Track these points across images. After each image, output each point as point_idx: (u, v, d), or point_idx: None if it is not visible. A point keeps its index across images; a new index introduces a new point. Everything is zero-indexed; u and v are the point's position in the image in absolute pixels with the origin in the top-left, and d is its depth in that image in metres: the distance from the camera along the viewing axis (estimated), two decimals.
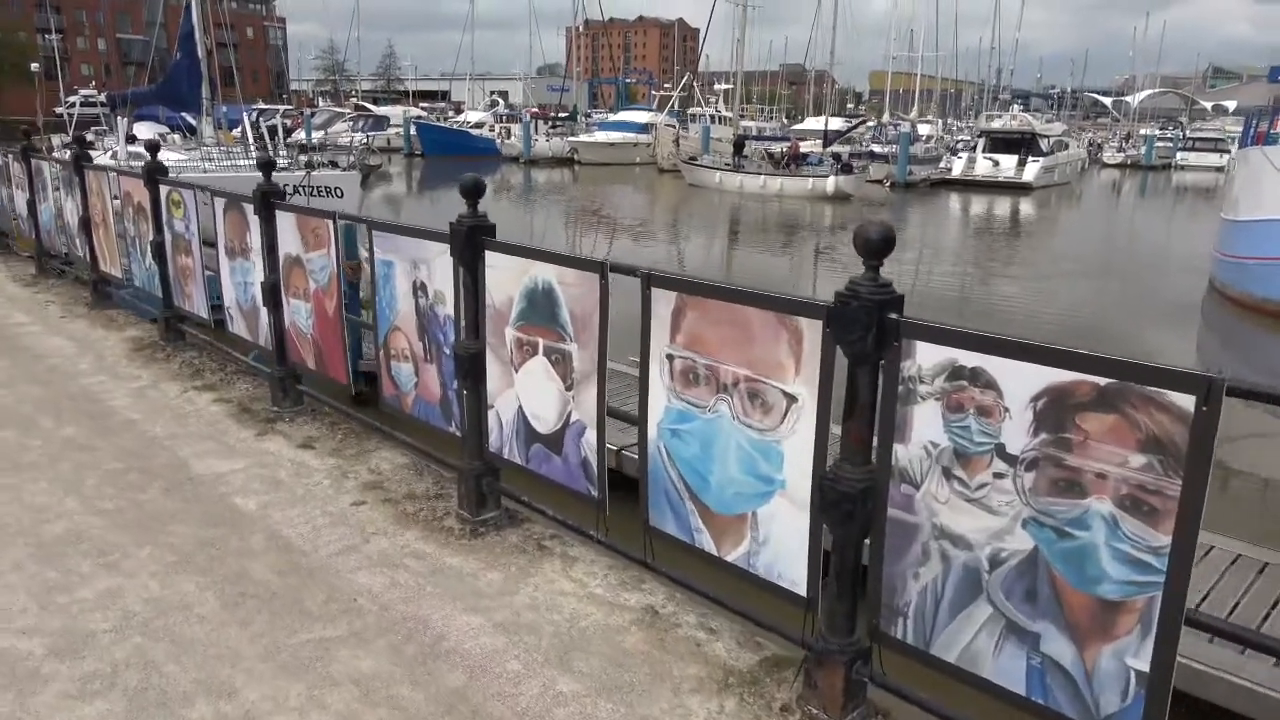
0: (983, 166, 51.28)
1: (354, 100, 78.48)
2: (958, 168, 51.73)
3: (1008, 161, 50.82)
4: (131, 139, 26.28)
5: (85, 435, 4.87)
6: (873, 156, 46.52)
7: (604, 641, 3.04)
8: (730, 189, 43.53)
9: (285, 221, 4.82)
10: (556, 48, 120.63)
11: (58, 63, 59.30)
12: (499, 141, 64.86)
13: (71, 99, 50.71)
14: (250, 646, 2.97)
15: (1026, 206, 45.22)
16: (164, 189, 6.16)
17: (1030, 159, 50.82)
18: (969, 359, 2.19)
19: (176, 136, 28.28)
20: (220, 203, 5.42)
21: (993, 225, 38.96)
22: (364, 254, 5.11)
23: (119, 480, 4.30)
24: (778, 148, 46.12)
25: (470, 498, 3.82)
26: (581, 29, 75.54)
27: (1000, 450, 2.16)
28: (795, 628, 2.74)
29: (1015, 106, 61.27)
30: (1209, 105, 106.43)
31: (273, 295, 5.02)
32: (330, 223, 4.45)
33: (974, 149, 54.04)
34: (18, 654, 2.91)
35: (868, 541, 2.48)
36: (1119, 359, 1.98)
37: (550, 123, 69.53)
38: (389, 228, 4.04)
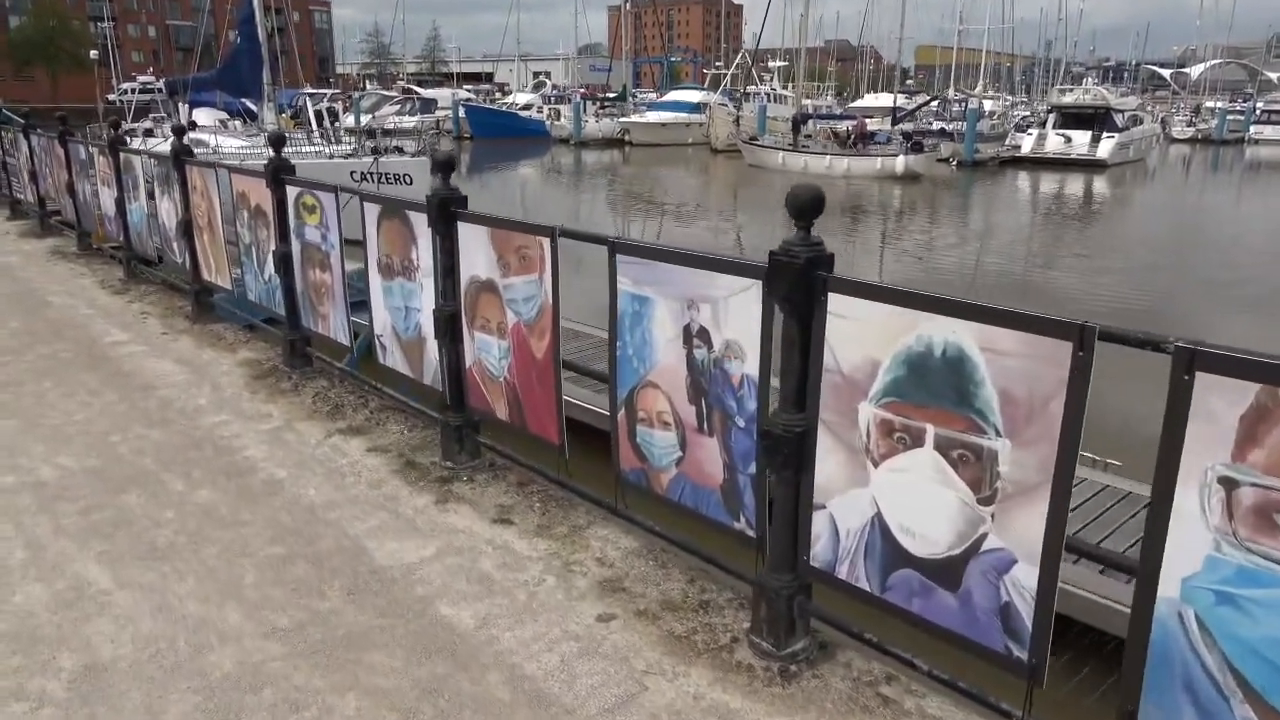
0: (1054, 143, 49.18)
1: (401, 83, 77.84)
2: (1027, 145, 49.67)
3: (1080, 138, 48.66)
4: (191, 125, 25.69)
5: (226, 502, 3.94)
6: (942, 134, 44.61)
7: None
8: (793, 170, 42.05)
9: (472, 236, 3.82)
10: (597, 27, 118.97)
11: (110, 50, 59.43)
12: (548, 123, 63.83)
13: (126, 85, 50.72)
14: None
15: (1103, 185, 43.18)
16: (292, 190, 5.21)
17: (1105, 135, 48.58)
18: None
19: (237, 123, 27.63)
20: (373, 209, 4.44)
21: (1077, 206, 37.08)
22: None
23: (284, 575, 3.35)
24: (843, 126, 44.44)
25: (775, 623, 2.79)
26: (630, 6, 73.89)
27: None
28: None
29: (1089, 79, 58.61)
30: (1275, 76, 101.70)
31: (450, 327, 4.03)
32: (546, 241, 3.43)
33: (1044, 125, 51.87)
34: None
35: None
36: (1006, 309, 2.14)
37: (599, 103, 68.32)
38: (651, 252, 3.01)
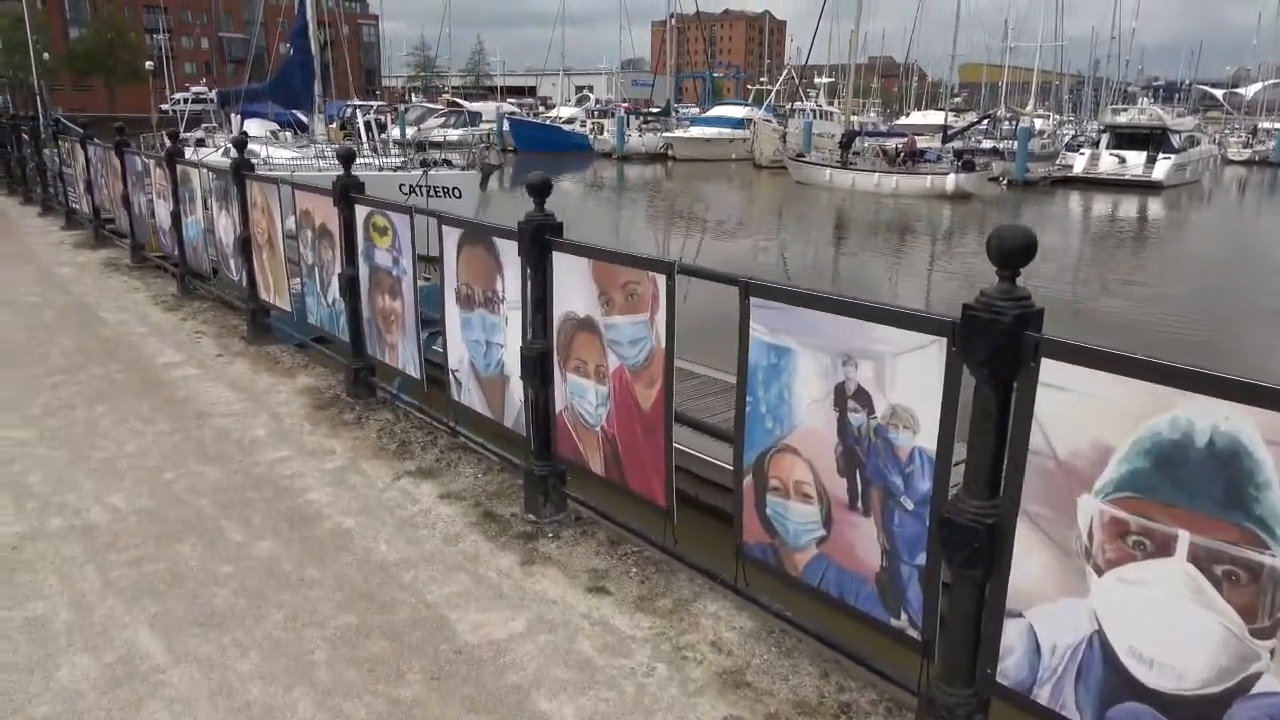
0: (1107, 164, 48.09)
1: (446, 96, 78.47)
2: (1079, 164, 48.61)
3: (1135, 158, 47.55)
4: (244, 136, 25.78)
5: (290, 556, 3.56)
6: (994, 153, 43.77)
7: None
8: (841, 187, 41.50)
9: (570, 268, 3.41)
10: (639, 42, 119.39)
11: (165, 61, 60.62)
12: (592, 137, 63.84)
13: (178, 96, 51.58)
14: None
15: (1163, 207, 42.05)
16: (362, 210, 4.86)
17: (1161, 156, 47.39)
18: None
19: (288, 134, 27.74)
20: (453, 234, 4.07)
21: (1154, 229, 36.06)
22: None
23: (359, 651, 2.95)
24: (892, 143, 43.75)
25: None
26: (674, 22, 73.81)
27: None
28: None
29: (1144, 99, 57.30)
30: None
31: (539, 367, 3.63)
32: (661, 278, 3.01)
33: (1097, 144, 50.76)
34: None
35: None
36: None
37: (642, 118, 68.24)
38: (796, 296, 2.58)
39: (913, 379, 2.30)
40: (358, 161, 20.18)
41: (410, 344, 4.67)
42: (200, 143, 27.22)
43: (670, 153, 59.54)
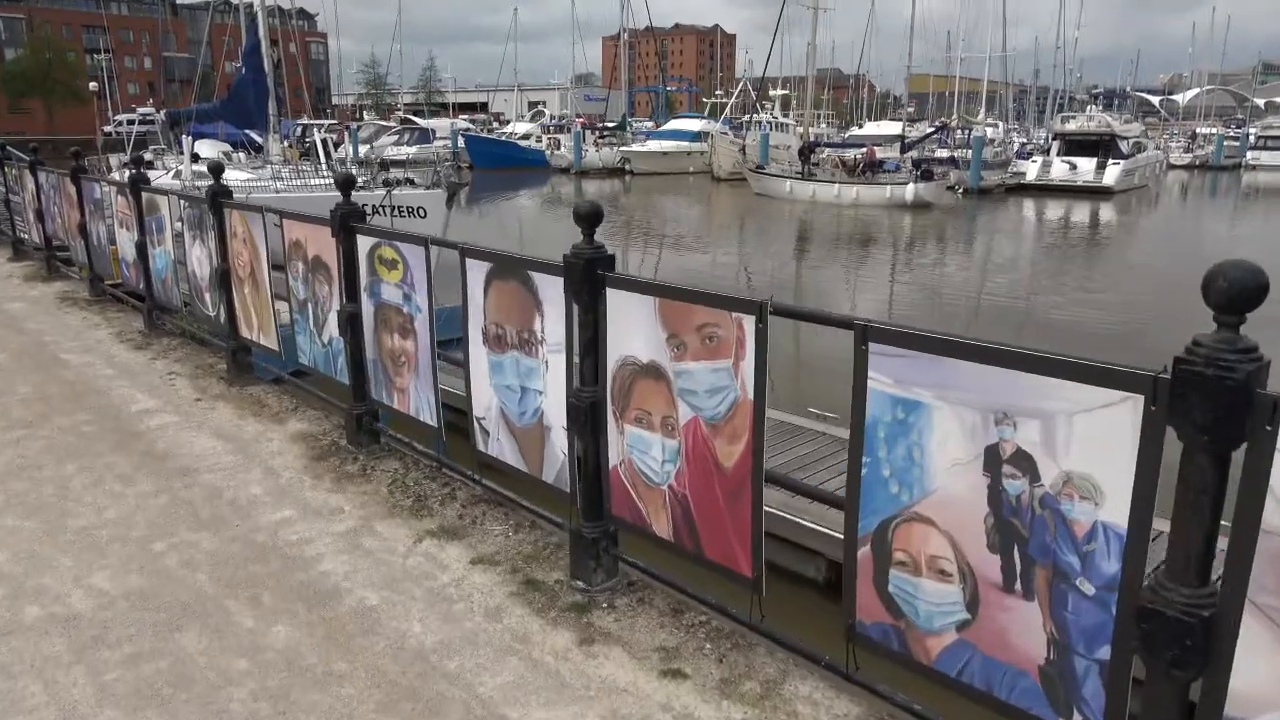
0: (1059, 170, 49.10)
1: (399, 113, 77.52)
2: (1032, 172, 49.55)
3: (1085, 164, 48.59)
4: (195, 158, 25.00)
5: (312, 645, 3.10)
6: (952, 162, 44.31)
7: None
8: (802, 198, 41.66)
9: (629, 307, 3.02)
10: (590, 57, 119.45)
11: (106, 82, 58.90)
12: (549, 153, 63.47)
13: (121, 117, 50.09)
14: None
15: (1111, 212, 42.91)
16: (365, 240, 4.41)
17: (1110, 161, 48.46)
18: None
19: (241, 155, 26.91)
20: (480, 267, 3.65)
21: (1088, 233, 36.64)
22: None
23: None
24: (850, 154, 44.07)
25: None
26: (627, 36, 73.86)
27: None
28: None
29: (1092, 107, 58.57)
30: (1262, 103, 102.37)
31: (590, 418, 3.23)
32: (749, 319, 2.63)
33: (1047, 152, 51.76)
34: None
35: None
36: None
37: (598, 133, 68.06)
38: (932, 343, 2.22)
39: (1095, 442, 1.95)
40: (316, 182, 19.43)
41: (425, 388, 4.23)
42: (148, 165, 26.29)
43: (628, 167, 59.46)
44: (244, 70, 25.76)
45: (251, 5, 27.88)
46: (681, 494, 3.01)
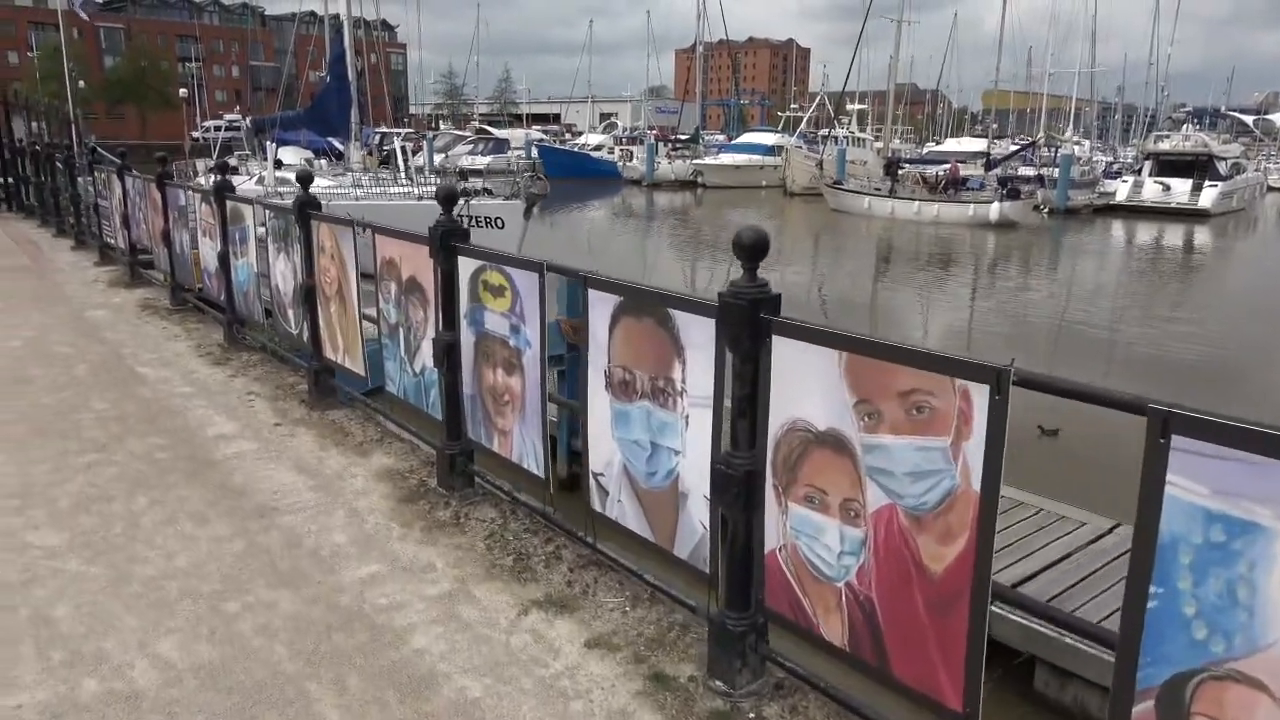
0: (1151, 191, 47.05)
1: (475, 123, 78.50)
2: (1122, 192, 47.60)
3: (1180, 186, 46.48)
4: (278, 164, 25.32)
5: None
6: (1039, 181, 42.75)
7: None
8: (880, 215, 40.61)
9: (802, 360, 2.46)
10: (663, 70, 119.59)
11: (195, 90, 60.82)
12: (621, 164, 63.38)
13: (208, 124, 51.60)
14: None
15: (1208, 236, 40.84)
16: (468, 262, 3.94)
17: (1207, 183, 46.25)
18: None
19: (323, 162, 27.18)
20: (606, 300, 3.13)
21: (1208, 257, 34.85)
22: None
23: None
24: (932, 170, 42.83)
25: None
26: (702, 49, 73.47)
27: None
28: None
29: (1188, 126, 56.05)
30: None
31: (745, 489, 2.66)
32: (980, 389, 2.04)
33: (1139, 171, 49.66)
34: None
35: None
36: None
37: (670, 145, 67.77)
38: (1273, 442, 1.60)
39: None
40: (395, 190, 19.36)
41: (532, 432, 3.72)
42: (233, 170, 26.72)
43: (700, 180, 58.99)
44: (328, 79, 26.03)
45: (337, 16, 28.27)
46: (864, 595, 2.42)
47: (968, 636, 2.19)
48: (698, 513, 2.92)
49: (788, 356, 2.51)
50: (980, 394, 2.06)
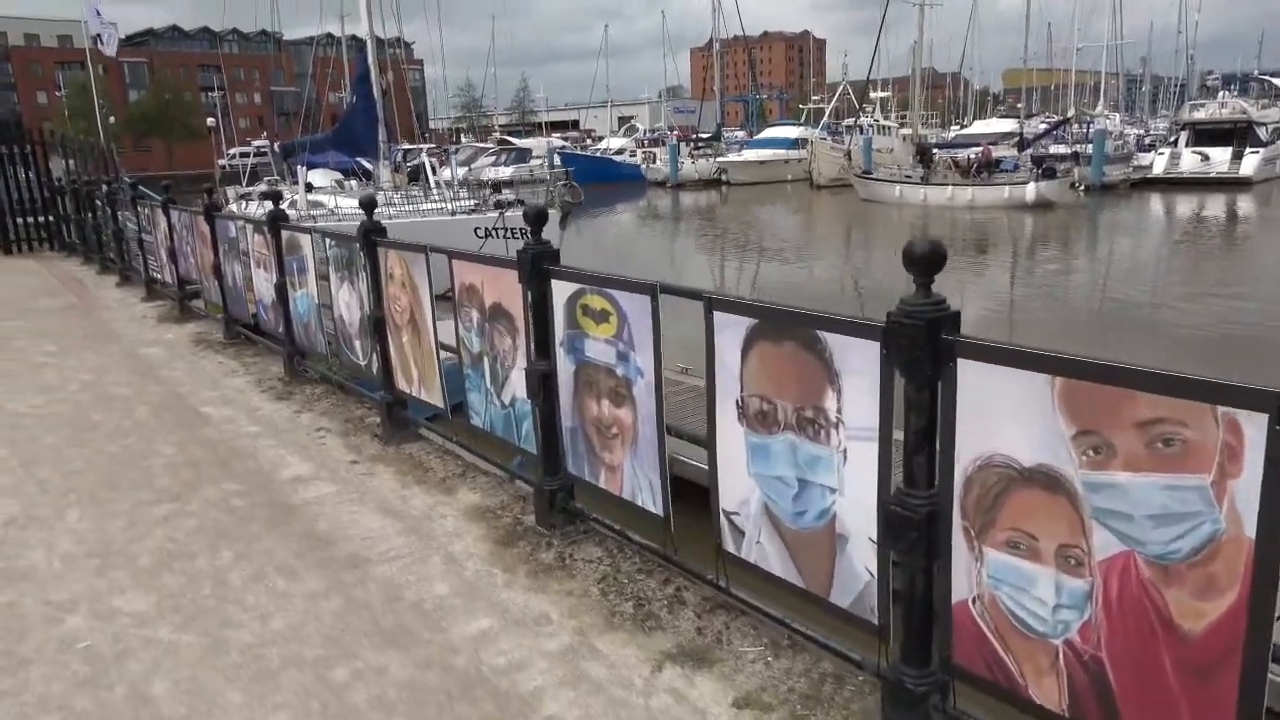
0: (1189, 162, 45.94)
1: (496, 135, 78.66)
2: (1159, 165, 46.53)
3: (1219, 155, 45.37)
4: (309, 187, 25.35)
5: None
6: (1075, 158, 41.89)
7: None
8: (912, 202, 40.03)
9: (1001, 387, 2.14)
10: (678, 70, 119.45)
11: (220, 118, 61.52)
12: (644, 166, 63.14)
13: (234, 151, 52.02)
14: None
15: (1253, 205, 39.74)
16: (563, 286, 3.65)
17: (1248, 150, 45.06)
18: None
19: (353, 183, 27.21)
20: (737, 323, 2.83)
21: (1234, 229, 33.90)
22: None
23: None
24: (964, 154, 42.11)
25: None
26: (719, 46, 73.00)
27: None
28: None
29: (1224, 93, 54.70)
30: None
31: (926, 533, 2.35)
32: (1258, 423, 1.71)
33: (1174, 143, 48.51)
34: None
35: None
36: None
37: (692, 144, 67.39)
38: None
39: None
40: (427, 206, 19.22)
41: (647, 468, 3.42)
42: (265, 196, 26.81)
43: (724, 177, 58.60)
44: (354, 99, 26.04)
45: (353, 37, 28.26)
46: (1090, 654, 2.10)
47: (1237, 706, 1.85)
48: (861, 557, 2.61)
49: (978, 382, 2.20)
50: (1253, 425, 1.73)
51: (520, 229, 20.18)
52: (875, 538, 2.53)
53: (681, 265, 28.62)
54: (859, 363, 2.46)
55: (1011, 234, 33.14)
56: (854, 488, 2.58)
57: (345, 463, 5.19)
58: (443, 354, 4.82)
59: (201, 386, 7.04)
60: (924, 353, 2.27)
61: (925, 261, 2.28)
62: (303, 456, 5.33)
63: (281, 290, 6.69)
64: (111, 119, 49.51)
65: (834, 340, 2.53)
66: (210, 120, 51.28)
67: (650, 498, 3.45)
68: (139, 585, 3.81)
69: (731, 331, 2.86)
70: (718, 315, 2.91)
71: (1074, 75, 58.56)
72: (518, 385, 4.07)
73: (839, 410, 2.57)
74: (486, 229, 19.67)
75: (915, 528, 2.37)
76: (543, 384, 3.84)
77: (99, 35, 25.08)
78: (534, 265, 3.73)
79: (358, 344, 5.79)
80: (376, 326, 5.26)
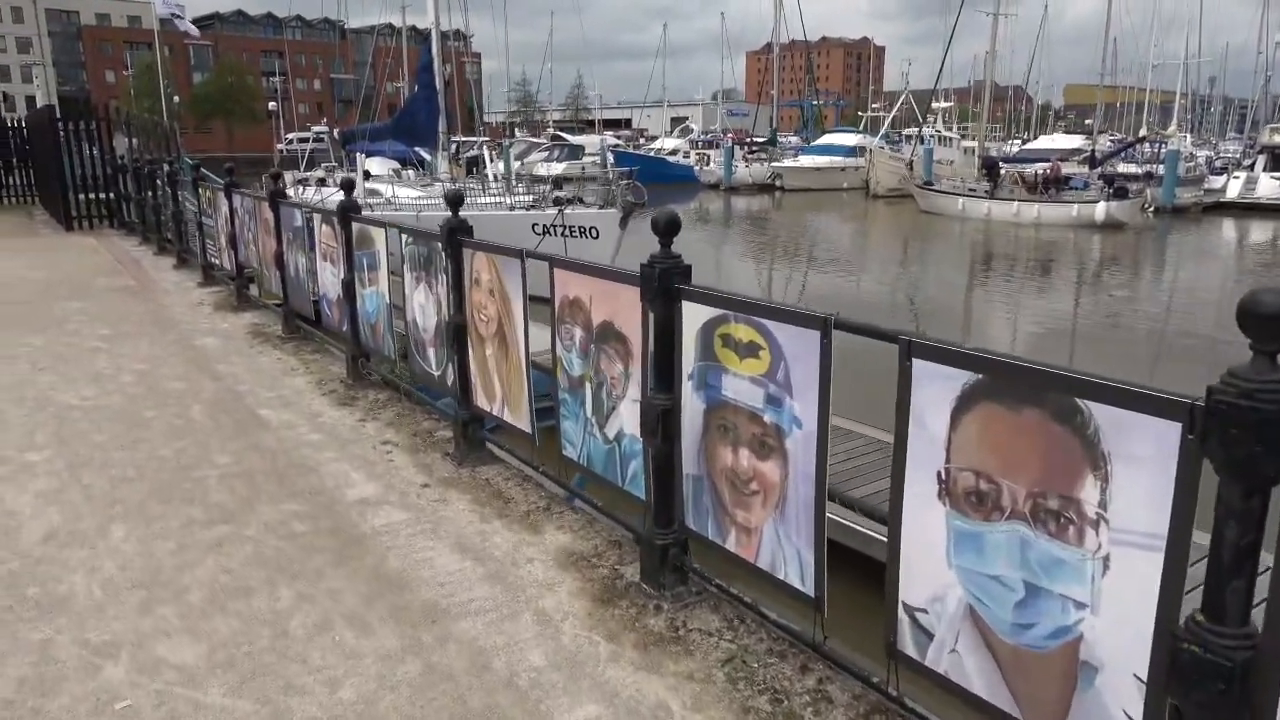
0: (1267, 187, 44.17)
1: (550, 130, 78.56)
2: (1234, 189, 44.87)
3: None
4: (366, 175, 25.12)
5: None
6: (1148, 178, 40.42)
7: None
8: (975, 216, 38.89)
9: None
10: (733, 72, 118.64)
11: (280, 103, 62.11)
12: (698, 168, 62.45)
13: (293, 135, 52.42)
14: None
15: None
16: (697, 310, 3.08)
17: None
18: None
19: (410, 173, 26.96)
20: (947, 379, 2.23)
21: None
22: None
23: None
24: (1030, 169, 40.85)
25: None
26: (778, 50, 72.02)
27: None
28: None
29: None
30: None
31: (1240, 687, 1.73)
32: None
33: (1251, 167, 46.74)
34: None
35: None
36: None
37: (746, 148, 66.55)
38: None
39: None
40: (484, 200, 18.71)
41: (796, 537, 2.83)
42: (322, 182, 26.69)
43: (779, 183, 57.73)
44: (416, 88, 25.78)
45: (414, 28, 28.06)
46: None
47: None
48: (1117, 698, 2.00)
49: None
50: None
51: (580, 227, 19.70)
52: (1146, 677, 1.92)
53: (737, 272, 27.96)
54: (1145, 448, 1.85)
55: (1088, 254, 31.86)
56: (1116, 607, 1.97)
57: (416, 485, 4.68)
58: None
59: (260, 386, 6.60)
60: (1265, 449, 1.65)
61: (1269, 322, 1.66)
62: (369, 474, 4.83)
63: (349, 287, 6.22)
64: (175, 99, 50.15)
65: (1104, 414, 1.92)
66: (271, 104, 51.66)
67: (798, 573, 2.86)
68: (188, 629, 3.31)
69: (940, 386, 2.26)
70: (919, 364, 2.32)
71: (1149, 94, 56.61)
72: (626, 418, 3.51)
73: (1101, 505, 1.96)
74: (545, 226, 19.16)
75: (1223, 678, 1.75)
76: (661, 421, 3.27)
77: (177, 16, 25.12)
78: (661, 282, 3.16)
79: (431, 351, 5.28)
80: (456, 334, 4.74)
